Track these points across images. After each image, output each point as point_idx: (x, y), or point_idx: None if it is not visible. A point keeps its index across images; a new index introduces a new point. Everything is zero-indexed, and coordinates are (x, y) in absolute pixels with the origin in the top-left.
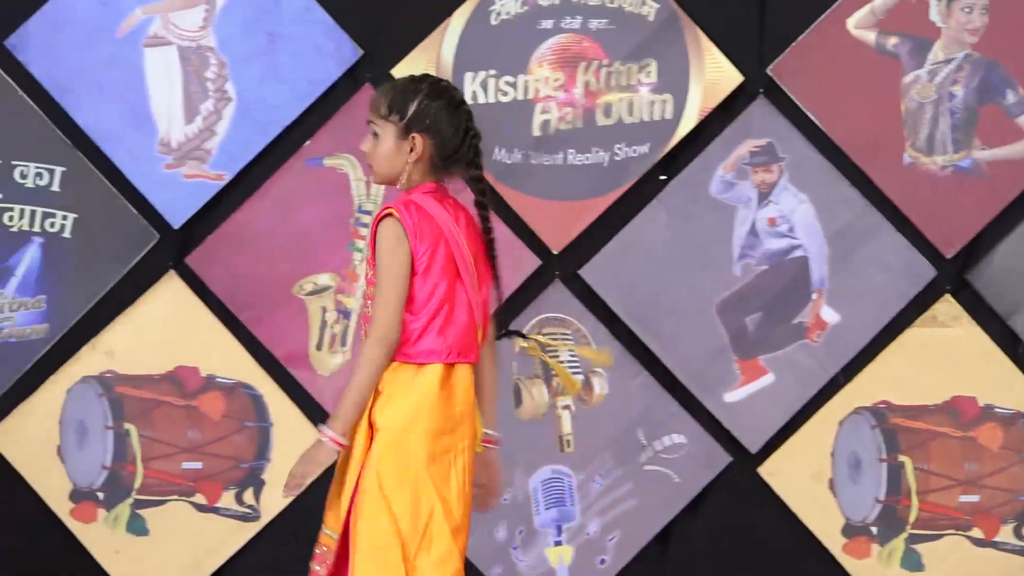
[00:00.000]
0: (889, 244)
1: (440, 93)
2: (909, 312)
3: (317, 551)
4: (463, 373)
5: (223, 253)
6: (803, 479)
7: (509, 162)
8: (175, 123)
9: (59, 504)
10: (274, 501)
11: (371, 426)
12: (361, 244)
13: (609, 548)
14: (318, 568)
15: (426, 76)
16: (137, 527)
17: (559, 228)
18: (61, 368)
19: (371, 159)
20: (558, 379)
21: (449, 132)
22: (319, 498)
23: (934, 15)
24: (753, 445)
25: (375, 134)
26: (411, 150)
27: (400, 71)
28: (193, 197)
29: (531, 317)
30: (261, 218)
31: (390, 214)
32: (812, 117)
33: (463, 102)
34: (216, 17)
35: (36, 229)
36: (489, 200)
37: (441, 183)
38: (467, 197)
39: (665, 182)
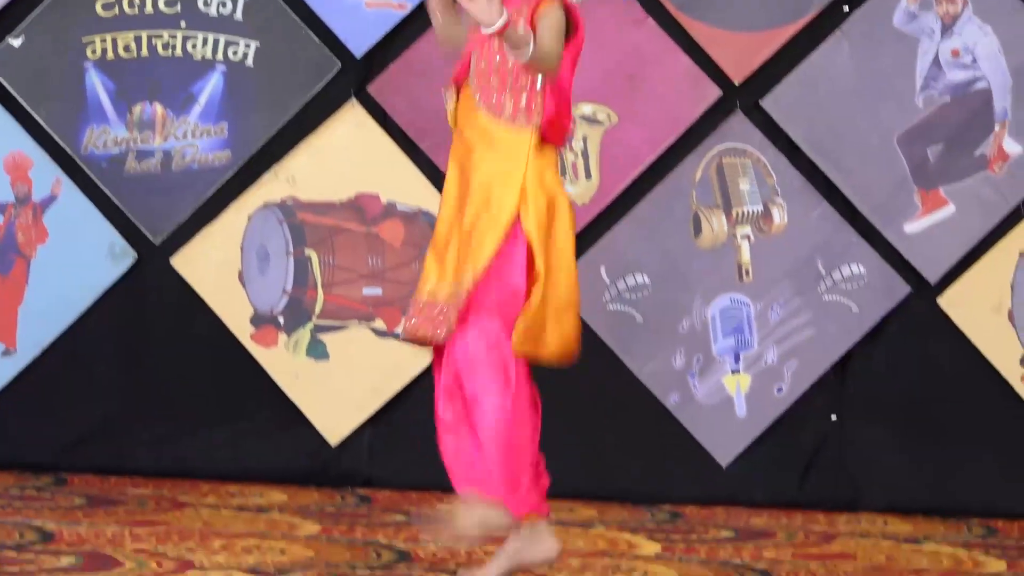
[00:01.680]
0: None
1: None
2: None
3: None
4: None
5: (404, 82)
6: (982, 310)
7: None
8: None
9: (240, 328)
10: None
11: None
12: None
13: (786, 376)
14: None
15: None
16: (317, 351)
17: (741, 59)
18: (243, 194)
19: None
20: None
21: None
22: None
23: None
24: (933, 276)
25: None
26: None
27: None
28: (376, 26)
29: (711, 147)
30: None
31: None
32: None
33: None
34: None
35: (219, 57)
36: None
37: None
38: None
39: (848, 13)
